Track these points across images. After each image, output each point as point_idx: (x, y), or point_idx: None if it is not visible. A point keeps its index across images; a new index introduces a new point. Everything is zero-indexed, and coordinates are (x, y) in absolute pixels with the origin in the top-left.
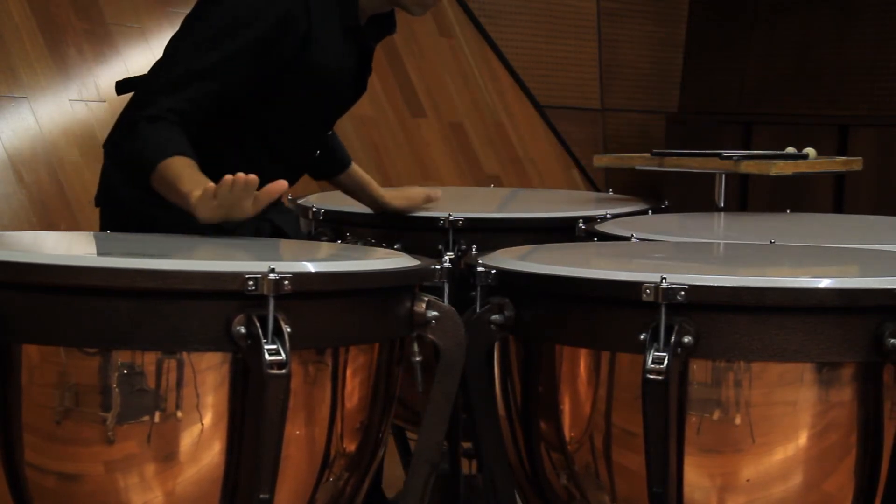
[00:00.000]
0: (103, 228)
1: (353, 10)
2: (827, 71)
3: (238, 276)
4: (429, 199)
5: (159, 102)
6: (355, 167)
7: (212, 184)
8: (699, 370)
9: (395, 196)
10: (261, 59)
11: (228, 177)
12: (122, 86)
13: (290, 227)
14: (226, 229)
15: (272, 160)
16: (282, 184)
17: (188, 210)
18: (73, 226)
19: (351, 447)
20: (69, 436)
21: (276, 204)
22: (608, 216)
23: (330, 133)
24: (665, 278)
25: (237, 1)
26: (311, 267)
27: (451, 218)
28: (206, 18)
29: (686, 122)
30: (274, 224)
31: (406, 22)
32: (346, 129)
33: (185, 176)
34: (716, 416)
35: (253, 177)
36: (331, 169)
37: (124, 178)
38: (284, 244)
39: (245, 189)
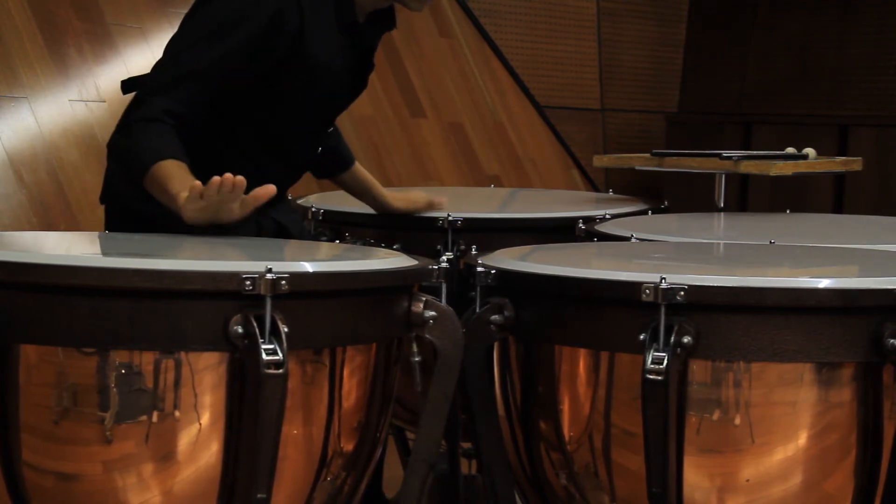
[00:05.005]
0: (108, 225)
1: (350, 6)
2: (827, 71)
3: (235, 276)
4: (431, 206)
5: (155, 104)
6: (358, 167)
7: (199, 184)
8: (699, 370)
9: (398, 197)
10: (253, 58)
11: (216, 178)
12: (127, 85)
13: (295, 226)
14: (228, 228)
15: (273, 159)
16: (270, 188)
17: (176, 211)
18: (72, 226)
19: (348, 447)
20: (67, 436)
21: (281, 203)
22: (608, 216)
23: (333, 131)
24: (665, 278)
25: (227, 1)
26: (308, 267)
27: (450, 218)
28: (199, 18)
29: (686, 122)
30: (278, 223)
31: (406, 22)
32: (346, 128)
33: (176, 178)
34: (715, 416)
35: (241, 178)
36: (334, 167)
37: (125, 177)
38: (283, 244)
39: (232, 191)
